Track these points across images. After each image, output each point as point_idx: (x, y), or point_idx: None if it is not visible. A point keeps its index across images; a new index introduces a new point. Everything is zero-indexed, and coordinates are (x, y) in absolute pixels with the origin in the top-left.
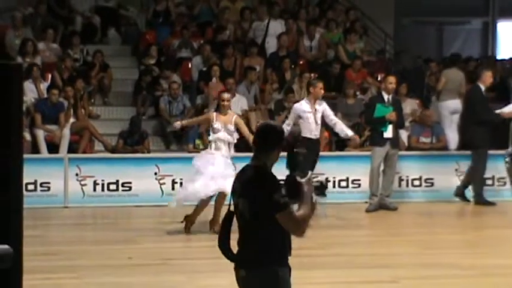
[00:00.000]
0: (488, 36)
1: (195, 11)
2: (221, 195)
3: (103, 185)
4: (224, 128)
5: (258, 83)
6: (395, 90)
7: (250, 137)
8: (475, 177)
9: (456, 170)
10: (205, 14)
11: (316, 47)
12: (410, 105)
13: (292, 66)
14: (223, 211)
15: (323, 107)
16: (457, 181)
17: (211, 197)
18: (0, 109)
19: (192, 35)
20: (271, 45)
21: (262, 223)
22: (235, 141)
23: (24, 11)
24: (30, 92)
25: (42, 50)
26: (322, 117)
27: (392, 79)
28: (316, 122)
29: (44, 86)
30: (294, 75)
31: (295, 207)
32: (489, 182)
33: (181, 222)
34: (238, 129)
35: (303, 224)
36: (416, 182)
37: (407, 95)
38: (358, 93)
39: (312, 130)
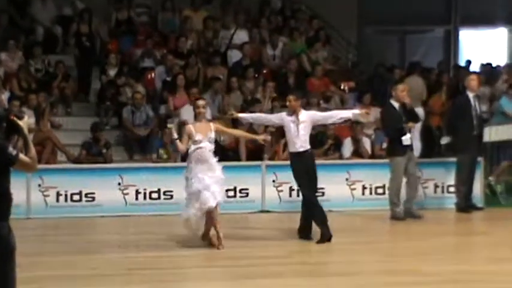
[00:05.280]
0: (451, 44)
1: (159, 21)
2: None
3: (66, 195)
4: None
5: (221, 93)
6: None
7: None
8: (456, 184)
9: (419, 177)
10: (168, 23)
11: (279, 56)
12: (374, 114)
13: (256, 75)
14: None
15: None
16: (419, 189)
17: None
18: None
19: (155, 44)
20: (234, 54)
21: None
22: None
23: None
24: None
25: (4, 60)
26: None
27: (403, 87)
28: None
29: (5, 96)
30: (258, 84)
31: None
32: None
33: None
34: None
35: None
36: (380, 190)
37: (371, 103)
38: (321, 101)
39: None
